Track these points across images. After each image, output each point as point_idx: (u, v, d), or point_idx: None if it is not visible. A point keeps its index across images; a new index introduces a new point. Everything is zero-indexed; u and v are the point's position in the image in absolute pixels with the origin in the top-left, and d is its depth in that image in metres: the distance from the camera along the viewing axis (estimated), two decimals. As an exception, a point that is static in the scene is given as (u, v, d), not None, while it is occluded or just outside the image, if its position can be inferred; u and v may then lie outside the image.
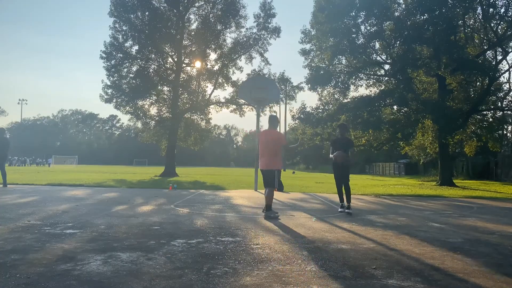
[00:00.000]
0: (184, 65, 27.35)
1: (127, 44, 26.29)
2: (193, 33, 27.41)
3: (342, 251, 4.04)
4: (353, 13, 20.80)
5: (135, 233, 4.73)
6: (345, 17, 20.79)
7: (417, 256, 3.88)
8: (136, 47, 26.16)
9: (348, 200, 7.43)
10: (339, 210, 7.45)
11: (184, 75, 27.59)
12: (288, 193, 12.15)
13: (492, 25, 20.72)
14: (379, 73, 23.97)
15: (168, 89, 28.04)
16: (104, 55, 25.72)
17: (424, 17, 19.83)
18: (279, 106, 54.19)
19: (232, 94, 27.85)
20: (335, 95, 23.57)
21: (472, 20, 23.31)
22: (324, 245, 4.30)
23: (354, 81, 23.18)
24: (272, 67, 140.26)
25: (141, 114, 28.20)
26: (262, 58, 27.38)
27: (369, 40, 21.47)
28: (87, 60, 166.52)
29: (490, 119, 24.76)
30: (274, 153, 6.60)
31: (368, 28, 21.55)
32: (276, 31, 26.80)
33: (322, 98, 24.43)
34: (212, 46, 27.00)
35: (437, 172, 24.17)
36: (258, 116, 13.46)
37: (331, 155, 7.65)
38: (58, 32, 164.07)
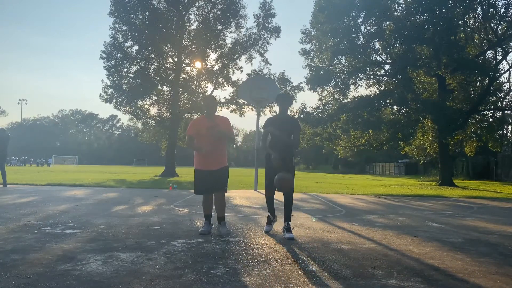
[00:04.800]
0: (184, 65, 27.36)
1: (127, 44, 26.32)
2: (193, 33, 27.42)
3: (342, 251, 4.04)
4: (353, 13, 20.82)
5: (135, 233, 4.73)
6: (345, 17, 20.81)
7: (417, 256, 3.88)
8: (136, 47, 26.17)
9: (288, 218, 4.84)
10: (266, 228, 5.05)
11: (184, 75, 27.60)
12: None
13: (492, 25, 20.74)
14: (379, 73, 23.98)
15: (168, 89, 28.04)
16: (104, 55, 25.73)
17: (424, 17, 19.85)
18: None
19: (232, 94, 27.85)
20: (335, 95, 23.60)
21: (472, 20, 23.32)
22: (324, 245, 4.30)
23: (354, 81, 23.19)
24: (272, 67, 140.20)
25: (141, 114, 28.19)
26: (262, 58, 27.42)
27: (369, 40, 21.49)
28: (87, 60, 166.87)
29: (490, 119, 24.80)
30: (223, 146, 5.00)
31: (368, 28, 21.60)
32: (276, 31, 26.82)
33: (322, 98, 24.47)
34: (212, 46, 27.00)
35: (437, 172, 24.17)
36: (258, 116, 13.46)
37: (265, 146, 5.07)
38: (58, 32, 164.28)
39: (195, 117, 29.17)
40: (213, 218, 5.09)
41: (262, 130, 5.23)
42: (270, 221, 5.09)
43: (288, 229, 4.77)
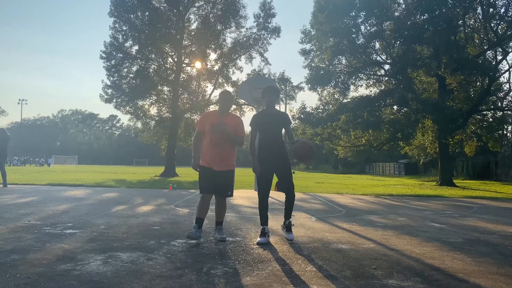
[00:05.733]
0: (184, 65, 27.37)
1: (127, 44, 26.36)
2: (193, 33, 27.45)
3: (342, 251, 4.04)
4: (353, 13, 20.82)
5: (135, 233, 4.73)
6: (345, 17, 20.81)
7: (417, 256, 3.88)
8: (136, 47, 26.20)
9: (288, 215, 4.58)
10: (261, 240, 4.36)
11: (184, 75, 27.62)
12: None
13: (492, 25, 20.73)
14: (379, 73, 23.98)
15: (168, 89, 28.08)
16: (104, 55, 25.74)
17: (424, 17, 19.85)
18: (279, 106, 54.23)
19: (232, 94, 27.84)
20: (335, 95, 23.62)
21: (472, 20, 23.34)
22: (324, 245, 4.30)
23: (354, 81, 23.21)
24: (272, 67, 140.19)
25: (141, 114, 28.22)
26: (262, 58, 27.50)
27: (369, 40, 21.48)
28: (87, 60, 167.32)
29: (490, 119, 24.78)
30: (231, 147, 4.58)
31: (368, 28, 21.60)
32: (276, 31, 26.86)
33: (322, 98, 24.49)
34: (212, 46, 27.03)
35: (437, 172, 24.17)
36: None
37: (251, 149, 4.60)
38: (58, 32, 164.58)
39: (195, 117, 29.18)
40: (206, 224, 5.04)
41: (250, 127, 4.67)
42: (265, 233, 4.44)
43: (288, 227, 4.52)
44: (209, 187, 4.41)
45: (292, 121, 4.82)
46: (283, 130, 4.71)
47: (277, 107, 4.97)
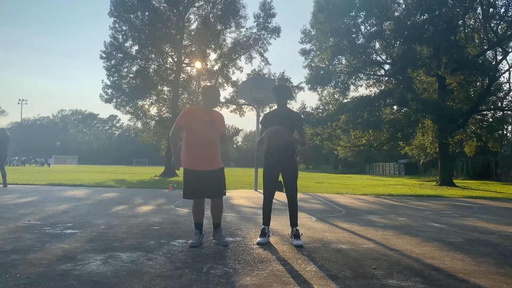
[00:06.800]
0: (184, 65, 27.36)
1: (127, 44, 26.32)
2: (193, 33, 27.44)
3: (342, 251, 4.04)
4: (353, 13, 20.83)
5: (135, 233, 4.73)
6: (345, 17, 20.82)
7: (417, 256, 3.88)
8: (136, 47, 26.17)
9: (294, 223, 4.40)
10: (260, 240, 4.32)
11: (184, 75, 27.60)
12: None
13: (492, 25, 20.73)
14: (379, 73, 23.98)
15: (168, 89, 28.05)
16: (104, 55, 25.72)
17: (424, 17, 19.85)
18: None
19: (232, 94, 27.88)
20: (335, 95, 23.62)
21: (472, 20, 23.33)
22: (324, 245, 4.30)
23: (354, 81, 23.21)
24: (272, 67, 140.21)
25: (141, 114, 28.20)
26: (262, 58, 27.50)
27: (369, 40, 21.48)
28: (87, 60, 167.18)
29: (490, 119, 24.79)
30: (218, 145, 4.37)
31: (368, 28, 21.60)
32: (276, 31, 26.87)
33: (322, 98, 24.50)
34: (212, 46, 27.03)
35: (437, 172, 24.17)
36: (258, 116, 13.45)
37: (258, 139, 4.55)
38: (58, 32, 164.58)
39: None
40: (206, 224, 5.03)
41: (260, 126, 4.62)
42: (265, 234, 4.37)
43: (296, 235, 4.31)
44: (200, 192, 4.21)
45: (302, 121, 4.69)
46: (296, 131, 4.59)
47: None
